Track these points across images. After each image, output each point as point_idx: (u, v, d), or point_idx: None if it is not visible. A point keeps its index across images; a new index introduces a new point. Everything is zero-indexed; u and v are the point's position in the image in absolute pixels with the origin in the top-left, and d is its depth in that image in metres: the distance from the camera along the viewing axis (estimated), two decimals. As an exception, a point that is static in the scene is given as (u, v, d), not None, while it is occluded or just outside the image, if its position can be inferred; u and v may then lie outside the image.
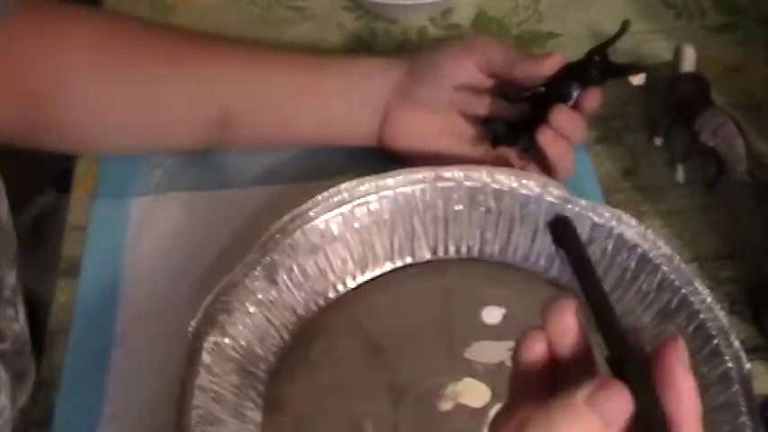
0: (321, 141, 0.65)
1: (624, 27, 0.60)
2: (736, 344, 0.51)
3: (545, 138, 0.58)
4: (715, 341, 0.51)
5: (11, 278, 0.56)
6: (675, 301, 0.53)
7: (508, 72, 0.60)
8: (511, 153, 0.63)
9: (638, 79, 0.60)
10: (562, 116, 0.58)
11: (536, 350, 0.34)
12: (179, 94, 0.62)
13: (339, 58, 0.68)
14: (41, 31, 0.60)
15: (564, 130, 0.58)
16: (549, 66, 0.59)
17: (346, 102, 0.63)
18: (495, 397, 0.52)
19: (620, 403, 0.31)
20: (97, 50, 0.62)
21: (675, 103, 0.66)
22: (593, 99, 0.59)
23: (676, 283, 0.53)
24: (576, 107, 0.59)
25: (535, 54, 0.61)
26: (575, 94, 0.59)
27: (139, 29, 0.65)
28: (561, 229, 0.35)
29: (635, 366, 0.32)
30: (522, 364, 0.34)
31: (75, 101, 0.61)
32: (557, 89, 0.59)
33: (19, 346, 0.57)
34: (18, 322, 0.57)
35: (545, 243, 0.58)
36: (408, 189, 0.58)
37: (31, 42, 0.60)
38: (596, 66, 0.59)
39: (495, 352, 0.54)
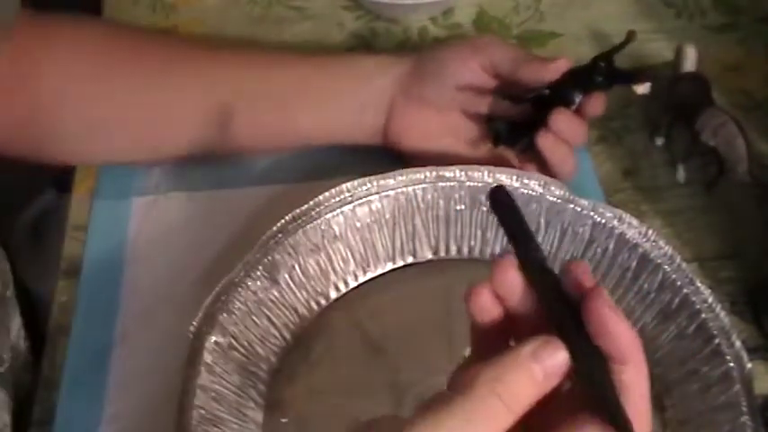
0: (324, 140, 0.65)
1: (630, 37, 0.60)
2: (738, 344, 0.51)
3: (545, 142, 0.58)
4: (716, 341, 0.51)
5: (8, 292, 0.56)
6: (677, 300, 0.53)
7: (513, 73, 0.60)
8: (511, 153, 0.63)
9: (642, 88, 0.60)
10: (562, 120, 0.58)
11: (482, 301, 0.35)
12: (179, 96, 0.62)
13: (342, 57, 0.68)
14: (47, 40, 0.61)
15: (564, 134, 0.58)
16: (554, 69, 0.59)
17: (349, 100, 0.63)
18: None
19: (558, 359, 0.32)
20: (97, 58, 0.62)
21: (676, 103, 0.66)
22: (596, 105, 0.60)
23: (678, 282, 0.53)
24: (578, 112, 0.59)
25: (541, 57, 0.61)
26: (578, 99, 0.59)
27: (138, 35, 0.66)
28: (499, 198, 0.35)
29: (572, 324, 0.33)
30: (474, 318, 0.35)
31: (77, 106, 0.61)
32: (560, 93, 0.59)
33: (13, 360, 0.57)
34: (9, 339, 0.57)
35: (546, 242, 0.58)
36: (410, 189, 0.58)
37: (37, 51, 0.60)
38: (601, 72, 0.59)
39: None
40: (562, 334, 0.33)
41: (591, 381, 0.32)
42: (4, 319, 0.56)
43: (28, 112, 0.60)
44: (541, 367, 0.32)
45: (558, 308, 0.33)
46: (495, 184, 0.35)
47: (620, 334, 0.32)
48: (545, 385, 0.32)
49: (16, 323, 0.58)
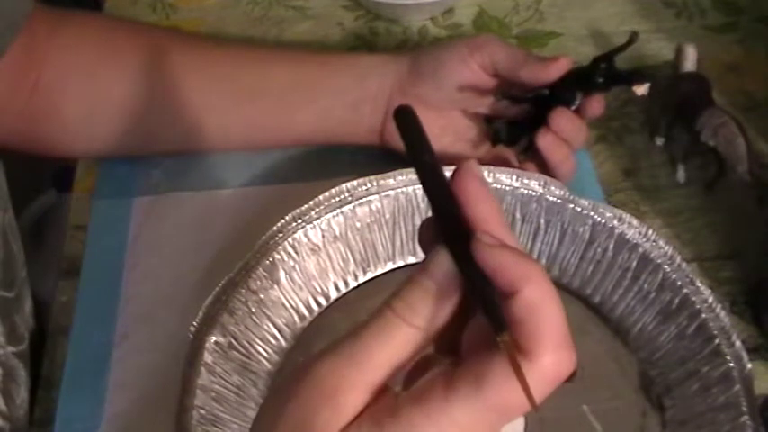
0: (321, 139, 0.65)
1: (632, 39, 0.60)
2: (738, 344, 0.51)
3: (545, 141, 0.58)
4: (716, 341, 0.51)
5: (23, 272, 0.56)
6: (677, 300, 0.53)
7: (513, 73, 0.60)
8: (510, 153, 0.63)
9: (642, 89, 0.60)
10: (563, 119, 0.58)
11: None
12: (177, 89, 0.63)
13: (340, 55, 0.68)
14: (53, 32, 0.62)
15: (564, 134, 0.59)
16: (556, 70, 0.59)
17: (346, 97, 0.63)
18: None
19: (443, 267, 0.32)
20: (99, 48, 0.63)
21: (676, 103, 0.66)
22: (595, 106, 0.60)
23: (678, 282, 0.53)
24: (578, 112, 0.59)
25: (542, 56, 0.61)
26: (578, 99, 0.59)
27: (139, 29, 0.67)
28: (404, 119, 0.35)
29: (461, 245, 0.32)
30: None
31: (78, 91, 0.62)
32: (560, 93, 0.60)
33: (30, 338, 0.58)
34: (25, 318, 0.58)
35: (546, 242, 0.58)
36: (410, 189, 0.58)
37: (44, 41, 0.61)
38: (601, 73, 0.60)
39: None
40: (449, 241, 0.33)
41: (472, 286, 0.32)
42: (21, 298, 0.56)
43: (31, 94, 0.61)
44: (431, 278, 0.33)
45: (445, 216, 0.33)
46: (400, 106, 0.35)
47: (507, 266, 0.31)
48: (440, 295, 0.32)
49: (29, 303, 0.58)
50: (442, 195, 0.34)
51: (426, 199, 0.34)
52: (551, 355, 0.30)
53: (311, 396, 0.32)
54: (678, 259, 0.54)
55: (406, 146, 0.35)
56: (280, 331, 0.55)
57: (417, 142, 0.35)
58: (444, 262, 0.32)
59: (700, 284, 0.53)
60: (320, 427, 0.32)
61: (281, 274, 0.55)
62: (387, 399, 0.32)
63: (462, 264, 0.32)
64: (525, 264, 0.31)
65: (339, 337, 0.33)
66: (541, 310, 0.30)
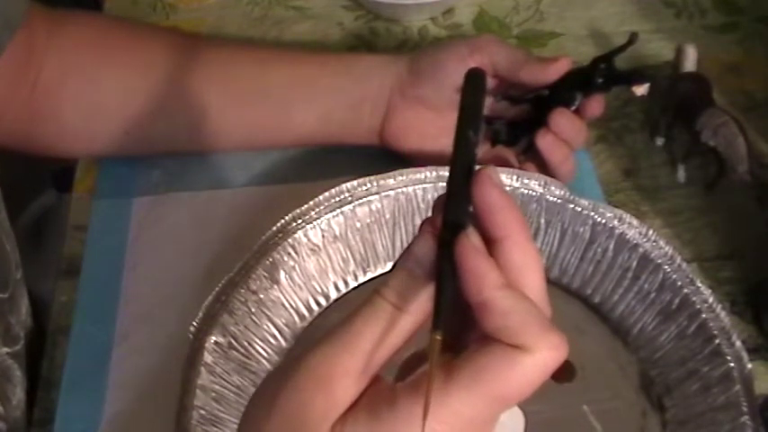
0: (322, 139, 0.65)
1: (632, 39, 0.60)
2: (738, 344, 0.51)
3: (544, 142, 0.58)
4: (717, 341, 0.51)
5: (18, 273, 0.56)
6: (677, 301, 0.53)
7: (513, 74, 0.60)
8: (510, 153, 0.63)
9: (641, 90, 0.60)
10: (563, 120, 0.58)
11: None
12: (176, 89, 0.63)
13: (339, 55, 0.68)
14: (51, 32, 0.62)
15: (564, 134, 0.59)
16: (555, 70, 0.59)
17: (345, 97, 0.63)
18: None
19: (424, 246, 0.33)
20: (98, 48, 0.63)
21: (676, 103, 0.66)
22: (595, 106, 0.60)
23: (678, 282, 0.53)
24: (578, 113, 0.60)
25: (542, 57, 0.61)
26: (578, 100, 0.59)
27: (138, 29, 0.68)
28: (473, 83, 0.35)
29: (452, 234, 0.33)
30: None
31: (76, 91, 0.62)
32: (560, 93, 0.60)
33: (26, 338, 0.58)
34: (21, 319, 0.58)
35: (546, 242, 0.58)
36: (410, 189, 0.58)
37: (42, 42, 0.61)
38: (601, 74, 0.60)
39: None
40: (446, 226, 0.33)
41: (438, 275, 0.33)
42: (18, 299, 0.56)
43: (29, 95, 0.61)
44: (414, 261, 0.33)
45: (453, 200, 0.34)
46: (476, 68, 0.36)
47: (499, 208, 0.33)
48: (424, 278, 0.33)
49: (25, 303, 0.58)
50: (461, 178, 0.34)
51: (450, 164, 0.34)
52: (544, 342, 0.31)
53: (305, 385, 0.32)
54: (678, 259, 0.54)
55: (459, 110, 0.35)
56: (280, 331, 0.55)
57: (471, 113, 0.35)
58: (425, 246, 0.33)
59: (700, 284, 0.53)
60: (315, 417, 0.32)
61: (281, 274, 0.55)
62: (382, 389, 0.33)
63: (443, 251, 0.33)
64: (518, 218, 0.33)
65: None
66: (517, 309, 0.31)
